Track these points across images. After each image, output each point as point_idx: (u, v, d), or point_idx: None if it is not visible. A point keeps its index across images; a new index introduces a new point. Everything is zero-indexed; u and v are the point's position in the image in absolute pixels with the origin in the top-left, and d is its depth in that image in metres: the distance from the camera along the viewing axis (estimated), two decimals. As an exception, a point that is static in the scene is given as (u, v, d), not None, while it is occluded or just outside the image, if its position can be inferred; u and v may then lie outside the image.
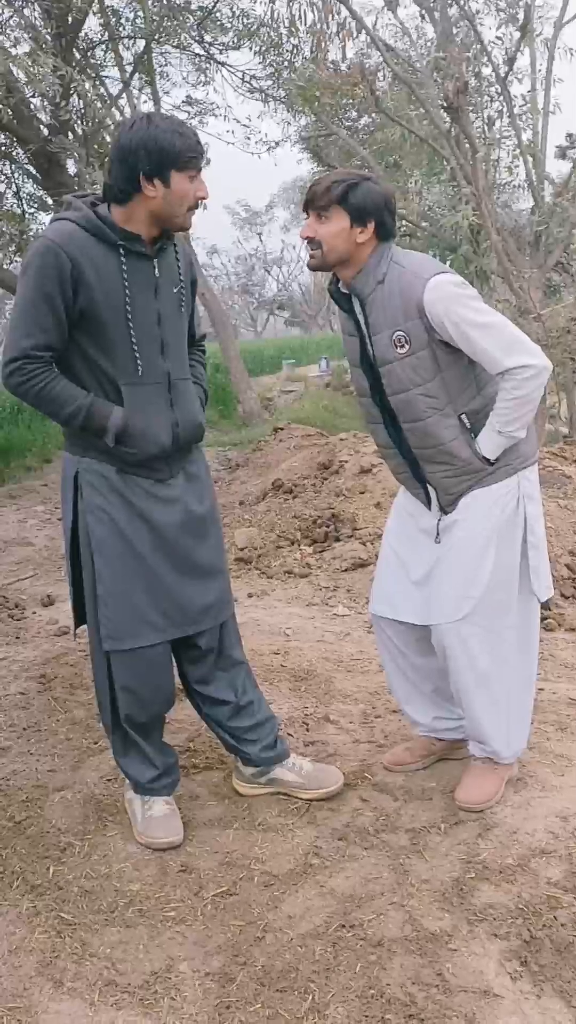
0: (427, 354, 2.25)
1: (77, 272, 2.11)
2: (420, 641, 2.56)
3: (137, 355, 2.21)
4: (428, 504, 2.48)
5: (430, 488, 2.44)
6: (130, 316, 2.18)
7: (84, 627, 2.45)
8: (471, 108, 8.02)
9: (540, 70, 8.67)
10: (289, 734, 2.99)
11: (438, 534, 2.44)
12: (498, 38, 9.11)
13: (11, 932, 2.11)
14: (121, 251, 2.16)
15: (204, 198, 2.18)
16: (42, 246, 2.10)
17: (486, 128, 8.94)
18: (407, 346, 2.25)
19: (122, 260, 2.16)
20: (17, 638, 4.28)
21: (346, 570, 5.12)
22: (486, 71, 8.91)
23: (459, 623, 2.36)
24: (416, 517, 2.52)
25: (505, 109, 8.45)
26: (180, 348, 2.35)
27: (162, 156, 2.07)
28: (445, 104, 7.72)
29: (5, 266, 10.19)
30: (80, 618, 2.45)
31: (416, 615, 2.48)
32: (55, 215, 2.23)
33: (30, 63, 7.30)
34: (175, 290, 2.30)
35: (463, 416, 2.32)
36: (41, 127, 9.54)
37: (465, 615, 2.35)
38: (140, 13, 10.03)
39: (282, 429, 8.94)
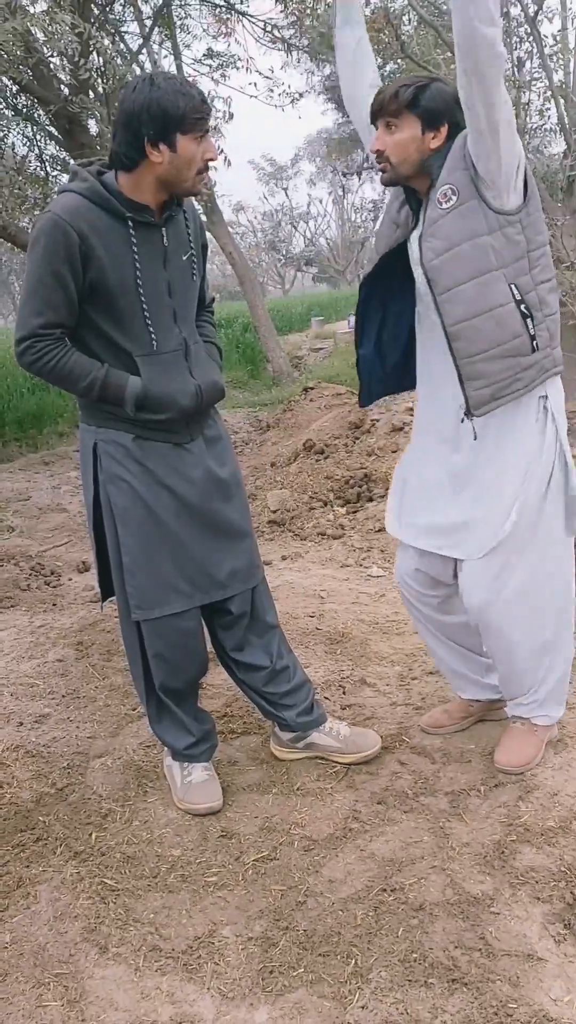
0: (476, 205, 2.11)
1: (86, 247, 2.06)
2: (443, 603, 2.52)
3: (151, 327, 2.17)
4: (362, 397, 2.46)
5: (463, 384, 2.23)
6: (141, 288, 2.14)
7: (112, 598, 2.46)
8: (500, 50, 7.75)
9: (571, 8, 8.38)
10: (326, 697, 2.99)
11: (465, 439, 2.30)
12: (527, -25, 8.77)
13: (56, 898, 2.14)
14: (130, 223, 2.11)
15: (212, 160, 2.12)
16: (49, 222, 2.05)
17: (515, 70, 8.63)
18: (454, 197, 2.11)
19: (131, 232, 2.11)
20: (54, 605, 4.31)
21: (380, 530, 5.07)
22: (514, 11, 8.59)
23: (488, 559, 2.29)
24: (436, 458, 2.41)
25: (535, 50, 8.14)
26: (192, 315, 2.31)
27: (166, 119, 2.00)
28: (473, 47, 7.46)
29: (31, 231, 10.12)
30: (107, 590, 2.45)
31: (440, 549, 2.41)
32: (61, 187, 2.18)
33: (47, 21, 7.15)
34: (185, 257, 2.25)
35: (514, 286, 2.15)
36: (61, 87, 9.40)
37: (493, 548, 2.28)
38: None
39: (312, 388, 8.84)
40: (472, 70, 1.94)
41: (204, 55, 12.32)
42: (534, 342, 2.19)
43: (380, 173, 2.23)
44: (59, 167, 10.77)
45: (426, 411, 2.45)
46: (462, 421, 2.30)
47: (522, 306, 2.16)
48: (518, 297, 2.16)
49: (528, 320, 2.17)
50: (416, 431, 2.52)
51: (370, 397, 2.53)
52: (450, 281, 2.16)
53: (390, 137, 2.16)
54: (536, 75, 8.82)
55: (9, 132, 10.17)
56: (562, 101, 8.01)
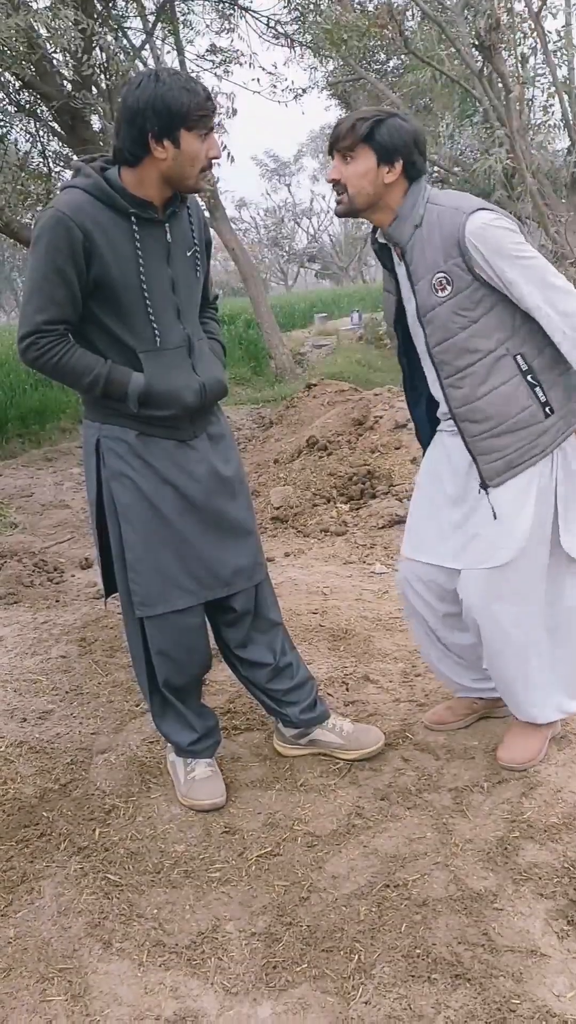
0: (474, 289, 2.13)
1: (89, 243, 2.06)
2: (447, 617, 2.52)
3: (154, 323, 2.17)
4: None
5: (474, 458, 2.28)
6: (145, 284, 2.14)
7: (115, 595, 2.46)
8: (503, 46, 7.74)
9: (575, 3, 8.35)
10: (329, 694, 2.99)
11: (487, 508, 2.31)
12: (531, -30, 8.75)
13: (60, 894, 2.14)
14: (133, 219, 2.11)
15: (216, 158, 2.11)
16: (52, 218, 2.05)
17: (520, 66, 8.60)
18: (449, 287, 2.14)
19: (134, 228, 2.11)
20: (57, 601, 4.32)
21: (383, 527, 5.08)
22: (518, 6, 8.56)
23: (489, 576, 2.29)
24: (444, 483, 2.42)
25: (539, 45, 8.12)
26: (195, 311, 2.31)
27: (171, 115, 1.99)
28: (477, 42, 7.47)
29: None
30: (110, 587, 2.45)
31: (448, 562, 2.41)
32: (64, 183, 2.17)
33: (50, 17, 7.15)
34: (189, 253, 2.24)
35: (519, 356, 2.17)
36: (64, 83, 9.39)
37: (492, 567, 2.28)
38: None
39: (315, 385, 8.83)
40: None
41: (207, 51, 12.32)
42: (546, 408, 2.20)
43: (336, 204, 2.23)
44: (62, 163, 10.76)
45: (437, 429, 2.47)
46: (479, 493, 2.30)
47: (528, 376, 2.18)
48: (524, 367, 2.18)
49: (537, 389, 2.19)
50: (429, 448, 2.52)
51: None
52: (452, 369, 2.21)
53: (347, 168, 2.17)
54: (540, 70, 8.81)
55: (12, 128, 10.17)
56: (566, 97, 8.00)
